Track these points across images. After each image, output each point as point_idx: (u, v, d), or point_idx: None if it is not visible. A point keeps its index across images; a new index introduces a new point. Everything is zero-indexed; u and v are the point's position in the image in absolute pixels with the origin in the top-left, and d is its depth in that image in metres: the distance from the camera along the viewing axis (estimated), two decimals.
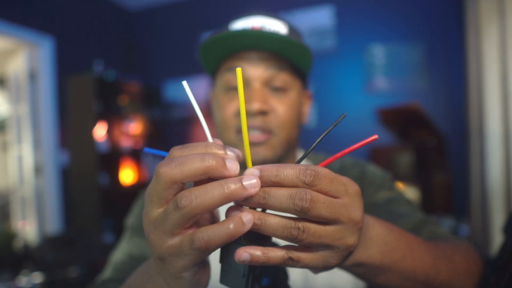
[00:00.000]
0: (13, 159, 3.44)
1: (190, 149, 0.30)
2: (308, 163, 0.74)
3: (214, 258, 0.42)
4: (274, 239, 0.35)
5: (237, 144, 0.67)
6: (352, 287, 0.67)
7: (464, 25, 2.47)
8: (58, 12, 3.23)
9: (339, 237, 0.30)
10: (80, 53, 3.44)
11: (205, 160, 0.28)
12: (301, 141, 0.77)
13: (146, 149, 0.36)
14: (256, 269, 0.33)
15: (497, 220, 1.98)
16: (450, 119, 2.81)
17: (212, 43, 0.65)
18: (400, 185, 2.46)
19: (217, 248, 0.29)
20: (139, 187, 3.54)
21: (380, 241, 0.41)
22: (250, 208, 0.30)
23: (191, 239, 0.28)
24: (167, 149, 0.33)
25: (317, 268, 0.33)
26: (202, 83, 3.61)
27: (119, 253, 0.69)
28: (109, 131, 3.45)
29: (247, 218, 0.28)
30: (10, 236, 2.96)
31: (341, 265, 0.37)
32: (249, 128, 0.64)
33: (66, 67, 3.25)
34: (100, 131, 3.25)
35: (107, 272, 0.66)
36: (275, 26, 0.66)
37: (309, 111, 0.79)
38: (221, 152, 0.30)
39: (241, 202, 0.29)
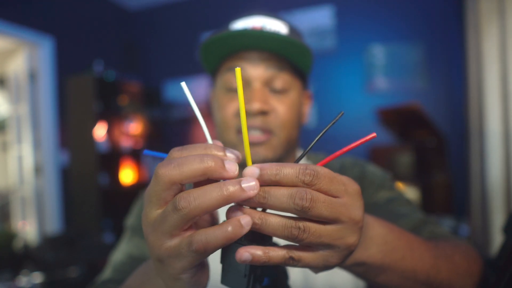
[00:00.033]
0: (13, 159, 3.44)
1: (190, 151, 0.30)
2: (308, 163, 0.74)
3: (215, 258, 0.42)
4: (274, 239, 0.35)
5: (237, 144, 0.67)
6: (352, 286, 0.67)
7: (464, 25, 2.47)
8: (58, 12, 3.23)
9: (340, 237, 0.30)
10: (80, 53, 3.44)
11: (204, 161, 0.28)
12: (301, 141, 0.77)
13: (146, 151, 0.36)
14: (257, 269, 0.33)
15: (497, 220, 1.98)
16: (450, 119, 2.81)
17: (213, 43, 0.65)
18: (400, 185, 2.46)
19: (215, 250, 0.29)
20: (139, 187, 3.55)
21: (380, 240, 0.41)
22: (251, 208, 0.30)
23: (190, 241, 0.28)
24: (167, 149, 0.33)
25: (317, 268, 0.33)
26: (202, 83, 3.61)
27: (119, 254, 0.69)
28: (109, 131, 3.45)
29: (245, 220, 0.28)
30: (10, 236, 2.96)
31: (342, 264, 0.37)
32: (249, 128, 0.64)
33: (66, 67, 3.25)
34: (100, 131, 3.25)
35: (107, 273, 0.66)
36: (276, 26, 0.66)
37: (309, 111, 0.79)
38: (220, 153, 0.30)
39: (242, 202, 0.29)
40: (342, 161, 0.76)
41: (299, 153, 0.79)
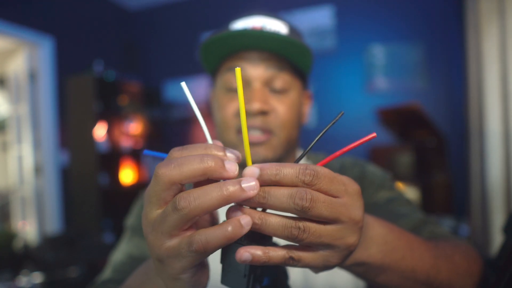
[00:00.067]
0: (13, 159, 3.44)
1: (190, 151, 0.30)
2: (308, 163, 0.74)
3: (215, 258, 0.42)
4: (274, 239, 0.35)
5: (238, 144, 0.67)
6: (352, 286, 0.67)
7: (464, 25, 2.47)
8: (58, 12, 3.23)
9: (340, 237, 0.30)
10: (80, 53, 3.44)
11: (204, 161, 0.28)
12: (301, 141, 0.77)
13: (145, 151, 0.36)
14: (257, 269, 0.33)
15: (497, 220, 1.98)
16: (450, 119, 2.81)
17: (213, 43, 0.65)
18: (400, 185, 2.46)
19: (215, 251, 0.29)
20: (139, 187, 3.55)
21: (380, 240, 0.41)
22: (251, 207, 0.30)
23: (189, 241, 0.28)
24: (167, 149, 0.33)
25: (317, 268, 0.33)
26: (202, 83, 3.61)
27: (119, 254, 0.69)
28: (109, 131, 3.45)
29: (245, 220, 0.28)
30: (10, 236, 2.96)
31: (342, 264, 0.37)
32: (250, 128, 0.64)
33: (66, 67, 3.25)
34: (100, 131, 3.25)
35: (107, 273, 0.66)
36: (276, 26, 0.66)
37: (309, 111, 0.79)
38: (220, 153, 0.30)
39: (242, 202, 0.29)
40: (342, 161, 0.76)
41: (299, 153, 0.79)
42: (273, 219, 0.29)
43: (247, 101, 0.64)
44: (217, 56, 0.68)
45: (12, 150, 3.48)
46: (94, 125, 3.12)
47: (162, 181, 0.28)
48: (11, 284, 2.23)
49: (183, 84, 0.33)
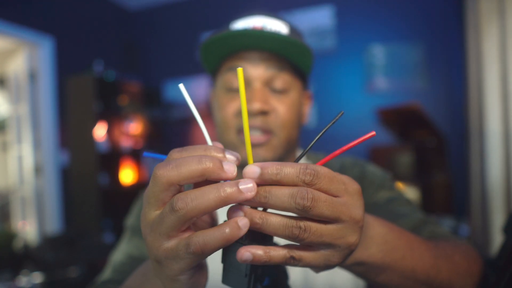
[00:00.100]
0: (13, 159, 3.44)
1: (189, 152, 0.30)
2: (308, 162, 0.74)
3: (216, 258, 0.42)
4: (275, 239, 0.35)
5: (238, 144, 0.67)
6: (352, 286, 0.67)
7: (464, 25, 2.47)
8: (58, 12, 3.23)
9: (340, 236, 0.30)
10: (80, 53, 3.44)
11: (202, 162, 0.28)
12: (301, 141, 0.77)
13: (145, 153, 0.36)
14: (258, 269, 0.33)
15: (497, 220, 1.98)
16: (450, 119, 2.81)
17: (213, 43, 0.65)
18: (400, 185, 2.46)
19: (213, 252, 0.29)
20: (139, 187, 3.55)
21: (381, 240, 0.41)
22: (251, 207, 0.30)
23: (187, 243, 0.28)
24: (167, 149, 0.33)
25: (318, 267, 0.33)
26: (202, 83, 3.61)
27: (119, 254, 0.68)
28: (109, 131, 3.45)
29: (243, 222, 0.28)
30: (10, 236, 2.96)
31: (342, 264, 0.37)
32: (250, 128, 0.64)
33: (66, 67, 3.25)
34: (100, 131, 3.25)
35: (107, 273, 0.66)
36: (276, 26, 0.66)
37: (309, 111, 0.79)
38: (220, 155, 0.30)
39: (243, 202, 0.29)
40: (342, 161, 0.76)
41: (299, 153, 0.79)
42: (274, 219, 0.29)
43: (247, 101, 0.64)
44: (217, 56, 0.68)
45: (12, 150, 3.48)
46: (94, 125, 3.12)
47: (160, 182, 0.28)
48: (11, 284, 2.23)
49: (181, 85, 0.33)
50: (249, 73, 0.65)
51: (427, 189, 2.47)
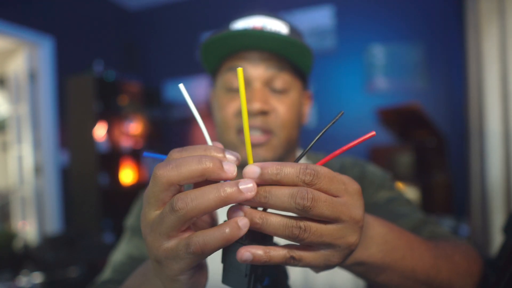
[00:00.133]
0: (13, 159, 3.44)
1: (189, 152, 0.30)
2: (309, 162, 0.74)
3: (216, 258, 0.42)
4: (275, 239, 0.35)
5: (238, 144, 0.67)
6: (352, 286, 0.67)
7: (464, 25, 2.47)
8: (58, 12, 3.23)
9: (340, 236, 0.30)
10: (80, 53, 3.44)
11: (202, 162, 0.28)
12: (301, 141, 0.77)
13: (145, 154, 0.36)
14: (258, 269, 0.33)
15: (497, 220, 1.98)
16: (450, 119, 2.82)
17: (213, 43, 0.65)
18: (400, 185, 2.46)
19: (213, 252, 0.29)
20: (139, 187, 3.55)
21: (381, 240, 0.41)
22: (252, 207, 0.30)
23: (187, 243, 0.28)
24: (167, 149, 0.33)
25: (318, 267, 0.33)
26: (202, 83, 3.61)
27: (119, 254, 0.68)
28: (109, 131, 3.45)
29: (243, 222, 0.29)
30: (10, 236, 2.96)
31: (342, 264, 0.37)
32: (250, 128, 0.64)
33: (66, 67, 3.25)
34: (100, 131, 3.25)
35: (107, 273, 0.66)
36: (276, 26, 0.66)
37: (309, 111, 0.79)
38: (220, 155, 0.30)
39: (244, 202, 0.29)
40: (342, 161, 0.76)
41: (299, 153, 0.79)
42: (274, 219, 0.29)
43: (247, 101, 0.64)
44: (217, 56, 0.68)
45: (12, 150, 3.48)
46: (94, 125, 3.12)
47: (160, 182, 0.28)
48: (11, 284, 2.23)
49: (181, 85, 0.33)
50: (249, 73, 0.65)
51: (427, 189, 2.47)
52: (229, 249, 0.33)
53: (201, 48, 0.67)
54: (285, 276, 0.41)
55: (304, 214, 0.29)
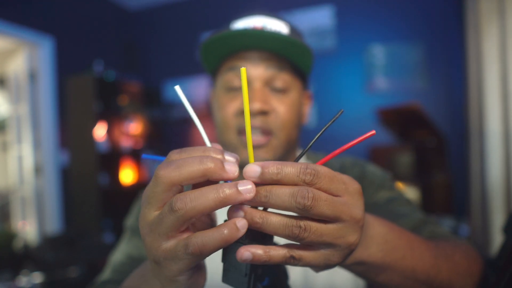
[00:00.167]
0: (13, 159, 3.44)
1: (188, 153, 0.30)
2: (309, 162, 0.74)
3: (216, 257, 0.42)
4: (275, 239, 0.35)
5: (237, 145, 0.67)
6: (352, 286, 0.67)
7: (464, 25, 2.47)
8: (58, 12, 3.23)
9: (341, 235, 0.30)
10: (80, 53, 3.44)
11: (203, 162, 0.28)
12: (301, 141, 0.77)
13: (144, 155, 0.36)
14: (258, 268, 0.33)
15: (497, 220, 1.98)
16: (450, 119, 2.82)
17: (213, 43, 0.65)
18: (400, 185, 2.46)
19: (211, 253, 0.29)
20: (139, 187, 3.54)
21: (381, 239, 0.41)
22: (252, 206, 0.30)
23: (186, 244, 0.28)
24: (167, 149, 0.33)
25: (318, 267, 0.33)
26: (202, 83, 3.61)
27: (119, 254, 0.68)
28: (109, 131, 3.45)
29: (241, 223, 0.29)
30: (10, 236, 2.96)
31: (342, 263, 0.37)
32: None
33: (66, 67, 3.25)
34: (100, 131, 3.25)
35: (106, 273, 0.66)
36: (277, 26, 0.66)
37: (309, 112, 0.79)
38: (219, 156, 0.30)
39: (244, 202, 0.29)
40: (342, 161, 0.76)
41: (299, 153, 0.79)
42: (274, 218, 0.29)
43: None
44: (218, 56, 0.68)
45: (12, 150, 3.48)
46: (94, 125, 3.12)
47: (162, 183, 0.28)
48: (11, 284, 2.23)
49: (177, 87, 0.33)
50: (249, 73, 0.65)
51: (427, 189, 2.47)
52: (229, 249, 0.33)
53: (201, 48, 0.67)
54: (285, 276, 0.41)
55: (305, 213, 0.29)
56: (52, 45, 3.14)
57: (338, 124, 1.91)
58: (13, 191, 3.55)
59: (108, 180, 3.31)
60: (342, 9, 3.19)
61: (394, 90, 2.99)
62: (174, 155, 0.31)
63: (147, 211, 0.30)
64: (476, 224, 2.22)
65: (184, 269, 0.30)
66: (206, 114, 3.49)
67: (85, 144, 3.14)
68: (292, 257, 0.31)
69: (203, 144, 0.34)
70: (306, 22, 3.26)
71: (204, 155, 0.29)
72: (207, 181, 0.29)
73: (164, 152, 0.35)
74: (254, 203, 0.30)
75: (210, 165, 0.28)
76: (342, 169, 0.74)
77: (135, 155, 3.63)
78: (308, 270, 0.64)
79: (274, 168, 0.29)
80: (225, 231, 0.28)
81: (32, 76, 3.08)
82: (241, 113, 0.65)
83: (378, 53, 3.04)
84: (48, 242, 2.66)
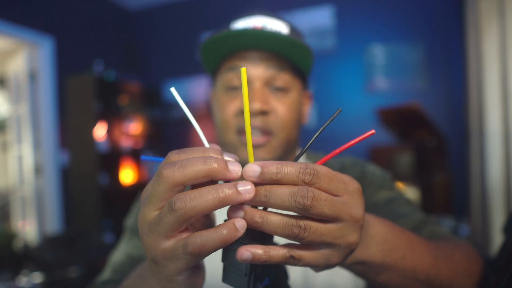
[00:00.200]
0: (13, 159, 3.44)
1: (188, 154, 0.30)
2: (308, 162, 0.74)
3: (216, 257, 0.42)
4: (275, 239, 0.35)
5: (237, 144, 0.67)
6: (352, 286, 0.67)
7: (464, 25, 2.47)
8: (58, 12, 3.23)
9: (341, 235, 0.30)
10: (80, 53, 3.44)
11: (207, 163, 0.28)
12: (301, 141, 0.77)
13: (143, 157, 0.36)
14: (257, 268, 0.33)
15: (497, 220, 1.98)
16: (450, 119, 2.82)
17: (213, 43, 0.65)
18: (400, 185, 2.46)
19: (210, 253, 0.29)
20: (139, 187, 3.54)
21: (381, 239, 0.41)
22: (252, 206, 0.30)
23: (185, 244, 0.28)
24: (167, 149, 0.33)
25: (318, 267, 0.33)
26: (202, 83, 3.61)
27: (118, 254, 0.69)
28: (109, 131, 3.45)
29: (240, 224, 0.29)
30: (10, 236, 2.96)
31: (342, 263, 0.37)
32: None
33: (66, 67, 3.25)
34: (100, 131, 3.25)
35: (106, 273, 0.66)
36: (277, 26, 0.66)
37: (309, 112, 0.79)
38: (218, 157, 0.30)
39: (244, 202, 0.29)
40: (342, 161, 0.76)
41: (298, 153, 0.79)
42: (274, 218, 0.29)
43: None
44: (218, 56, 0.68)
45: (12, 150, 3.48)
46: (94, 125, 3.12)
47: (165, 182, 0.28)
48: (11, 284, 2.23)
49: (173, 89, 0.33)
50: (249, 73, 0.65)
51: (427, 189, 2.47)
52: (229, 248, 0.33)
53: (201, 48, 0.67)
54: (285, 275, 0.40)
55: (305, 213, 0.29)
56: (52, 45, 3.14)
57: (338, 124, 1.91)
58: (13, 191, 3.55)
59: (108, 180, 3.31)
60: (342, 9, 3.19)
61: (394, 90, 2.99)
62: (173, 156, 0.31)
63: (147, 210, 0.30)
64: (476, 224, 2.22)
65: (182, 269, 0.30)
66: (206, 114, 3.50)
67: (85, 144, 3.14)
68: (292, 257, 0.31)
69: (203, 144, 0.34)
70: (306, 22, 3.26)
71: (206, 156, 0.29)
72: (206, 181, 0.29)
73: (164, 152, 0.35)
74: (254, 203, 0.30)
75: (214, 165, 0.28)
76: (342, 169, 0.74)
77: (135, 155, 3.63)
78: (308, 270, 0.64)
79: (274, 168, 0.29)
80: (224, 231, 0.28)
81: (32, 76, 3.08)
82: (241, 113, 0.65)
83: (378, 53, 3.04)
84: (48, 242, 2.66)
